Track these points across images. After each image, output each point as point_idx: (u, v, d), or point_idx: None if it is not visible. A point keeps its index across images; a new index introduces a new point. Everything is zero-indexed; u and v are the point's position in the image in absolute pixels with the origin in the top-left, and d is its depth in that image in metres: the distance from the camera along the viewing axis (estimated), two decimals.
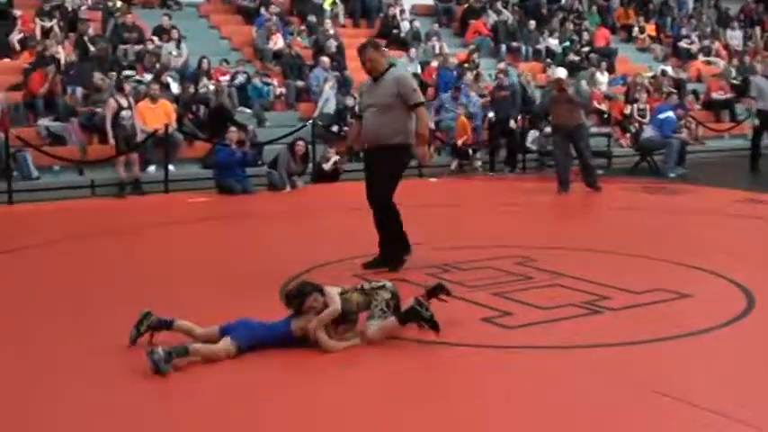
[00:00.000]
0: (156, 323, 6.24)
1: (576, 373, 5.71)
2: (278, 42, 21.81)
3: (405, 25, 24.81)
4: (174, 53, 20.18)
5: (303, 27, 23.49)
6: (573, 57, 25.21)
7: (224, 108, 17.86)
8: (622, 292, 7.75)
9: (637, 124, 21.13)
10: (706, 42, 29.29)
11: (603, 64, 24.82)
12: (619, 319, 7.00)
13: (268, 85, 20.05)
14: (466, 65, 22.28)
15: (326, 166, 17.14)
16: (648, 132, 19.03)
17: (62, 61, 18.14)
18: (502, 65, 21.71)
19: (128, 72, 18.81)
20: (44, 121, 16.56)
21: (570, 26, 27.34)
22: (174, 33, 20.61)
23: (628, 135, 21.61)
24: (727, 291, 7.94)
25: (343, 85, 20.00)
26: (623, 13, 30.14)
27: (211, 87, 18.44)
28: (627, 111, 22.17)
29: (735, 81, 26.08)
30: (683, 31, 29.68)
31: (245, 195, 15.47)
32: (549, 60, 24.52)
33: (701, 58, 28.35)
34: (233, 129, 16.53)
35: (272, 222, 13.21)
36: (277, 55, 21.46)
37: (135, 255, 10.39)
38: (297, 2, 24.68)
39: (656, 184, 16.55)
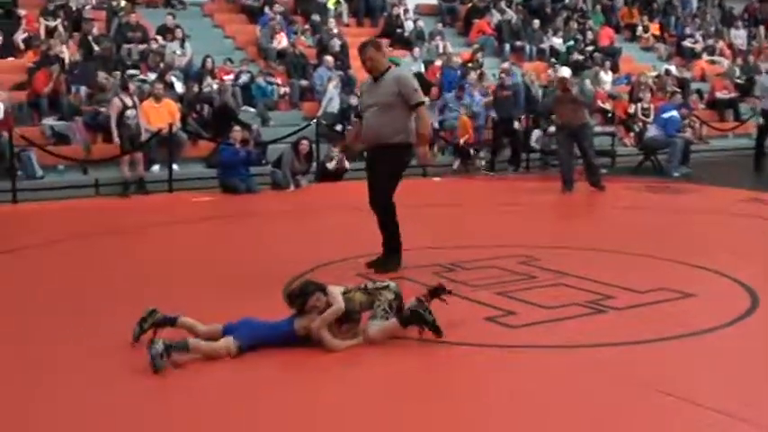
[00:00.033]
0: (160, 320, 6.26)
1: (580, 373, 5.71)
2: (282, 41, 21.82)
3: (408, 24, 24.80)
4: (178, 52, 20.20)
5: (307, 26, 23.51)
6: (577, 56, 25.19)
7: (228, 107, 17.87)
8: (626, 291, 7.75)
9: (641, 123, 21.10)
10: (710, 41, 29.27)
11: (607, 63, 24.80)
12: (623, 319, 6.99)
13: (272, 84, 20.04)
14: (470, 64, 22.28)
15: (330, 165, 17.14)
16: (652, 131, 19.02)
17: (66, 60, 18.17)
18: (506, 64, 21.70)
19: (132, 71, 18.82)
20: (48, 121, 16.58)
21: (574, 25, 27.33)
22: (179, 32, 20.63)
23: (632, 134, 21.59)
24: (731, 290, 7.93)
25: (347, 85, 20.00)
26: (627, 12, 30.13)
27: (215, 87, 18.46)
28: (631, 110, 22.15)
29: (739, 80, 26.06)
30: (687, 31, 29.65)
31: (249, 194, 15.47)
32: (553, 60, 24.51)
33: (705, 57, 28.33)
34: (237, 128, 16.55)
35: (275, 221, 13.21)
36: (281, 54, 21.46)
37: (138, 254, 10.39)
38: (301, 1, 24.71)
39: (660, 184, 16.53)
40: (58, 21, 20.21)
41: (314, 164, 17.06)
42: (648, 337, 6.40)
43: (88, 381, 5.62)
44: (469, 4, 26.89)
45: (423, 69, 22.22)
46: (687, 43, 28.75)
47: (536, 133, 19.89)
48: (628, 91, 23.62)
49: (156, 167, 16.45)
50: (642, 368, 5.78)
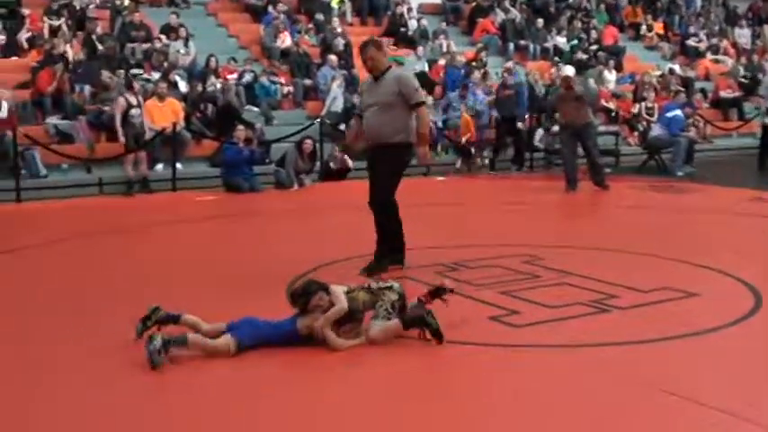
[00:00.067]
0: (163, 317, 6.27)
1: (584, 372, 5.71)
2: (285, 41, 21.83)
3: (412, 23, 24.82)
4: (182, 51, 20.22)
5: (311, 25, 23.52)
6: (581, 55, 25.17)
7: (232, 106, 17.88)
8: (630, 290, 7.74)
9: (645, 123, 21.09)
10: (714, 41, 29.23)
11: (611, 62, 24.82)
12: (626, 318, 6.99)
13: (275, 83, 20.07)
14: (473, 63, 22.26)
15: (334, 165, 17.14)
16: (656, 131, 19.01)
17: (70, 60, 18.17)
18: (510, 63, 21.68)
19: (135, 70, 18.83)
20: (52, 120, 16.60)
21: (578, 24, 27.30)
22: (182, 32, 20.66)
23: (636, 133, 21.58)
24: (734, 289, 7.92)
25: (351, 84, 19.99)
26: (631, 11, 30.09)
27: (219, 86, 18.46)
28: (635, 109, 22.12)
29: (743, 79, 26.03)
30: (691, 30, 29.64)
31: (253, 194, 15.49)
32: (556, 59, 24.49)
33: (709, 56, 28.30)
34: (241, 127, 16.56)
35: (279, 221, 13.21)
36: (285, 53, 21.47)
37: (141, 253, 10.40)
38: (304, 0, 24.70)
39: (664, 183, 16.52)
40: (62, 20, 20.24)
41: (317, 163, 17.06)
42: (652, 337, 6.39)
43: (88, 381, 5.61)
44: (473, 3, 26.90)
45: (426, 68, 22.24)
46: (691, 42, 28.72)
47: (539, 132, 19.87)
48: (632, 90, 23.60)
49: (159, 166, 16.48)
50: (646, 367, 5.77)
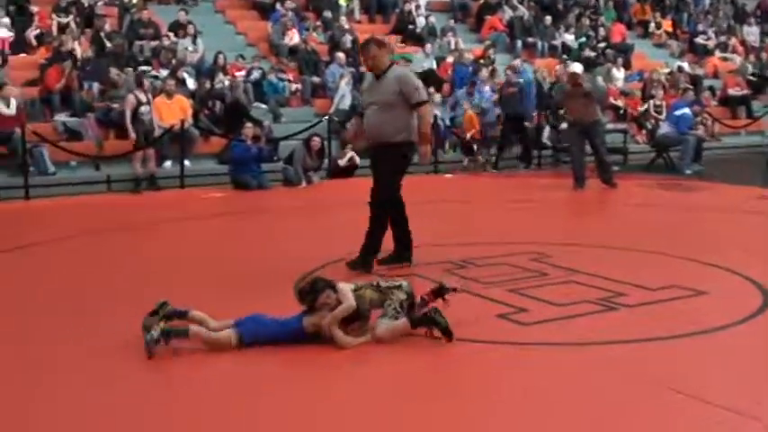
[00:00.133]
0: (170, 313, 6.29)
1: (592, 370, 5.71)
2: (293, 38, 21.85)
3: (420, 21, 24.84)
4: (190, 49, 20.25)
5: (319, 23, 23.54)
6: (589, 52, 25.16)
7: (240, 104, 17.90)
8: (638, 288, 7.74)
9: (653, 120, 21.07)
10: (722, 38, 29.23)
11: (620, 60, 24.77)
12: (634, 316, 6.98)
13: (284, 80, 20.07)
14: (481, 61, 22.24)
15: (342, 162, 17.14)
16: (664, 129, 18.98)
17: (78, 57, 18.21)
18: (517, 61, 21.64)
19: (144, 68, 18.85)
20: (61, 117, 16.63)
21: (586, 22, 27.30)
22: (190, 29, 20.70)
23: (644, 131, 21.56)
24: (742, 288, 7.91)
25: (359, 81, 19.92)
26: (639, 8, 30.07)
27: (227, 83, 18.48)
28: (643, 107, 22.09)
29: (751, 77, 25.99)
30: (700, 27, 29.61)
31: (261, 191, 15.50)
32: (565, 56, 24.46)
33: (718, 54, 28.28)
34: (249, 124, 16.57)
35: (287, 218, 13.23)
36: (293, 50, 21.49)
37: (149, 251, 10.40)
38: None
39: (672, 181, 16.49)
40: (71, 17, 20.28)
41: (325, 160, 17.07)
42: (660, 335, 6.39)
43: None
44: (481, 1, 26.86)
45: (435, 66, 22.24)
46: (700, 40, 28.69)
47: (547, 130, 19.85)
48: (640, 88, 23.57)
49: (167, 164, 16.50)
50: (653, 366, 5.77)
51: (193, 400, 5.29)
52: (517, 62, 21.49)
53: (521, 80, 19.72)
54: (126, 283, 8.37)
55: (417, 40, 23.84)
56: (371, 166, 9.13)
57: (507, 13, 26.35)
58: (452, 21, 25.65)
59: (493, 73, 21.06)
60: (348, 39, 21.79)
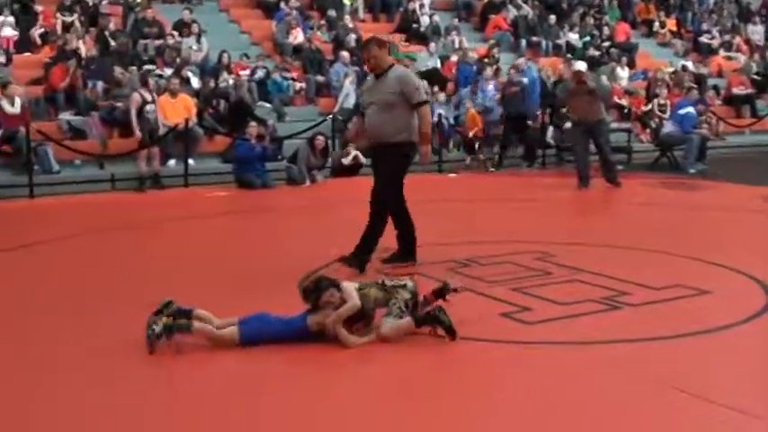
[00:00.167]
0: (175, 311, 6.28)
1: (596, 369, 5.71)
2: (298, 37, 21.86)
3: (424, 20, 24.82)
4: (195, 47, 20.26)
5: (323, 22, 23.55)
6: (593, 51, 25.14)
7: (244, 102, 17.91)
8: (641, 287, 7.73)
9: (657, 120, 21.05)
10: (727, 37, 29.18)
11: (624, 59, 24.74)
12: (638, 315, 6.99)
13: (288, 79, 20.07)
14: (486, 60, 22.23)
15: (346, 161, 17.13)
16: (669, 128, 18.96)
17: (83, 56, 18.23)
18: (521, 60, 21.60)
19: (148, 66, 18.86)
20: (65, 116, 16.65)
21: (590, 21, 27.30)
22: (195, 28, 20.70)
23: (648, 130, 21.54)
24: (746, 287, 7.90)
25: (363, 80, 19.92)
26: (644, 7, 30.03)
27: (231, 82, 18.49)
28: (647, 106, 22.08)
29: (756, 76, 25.95)
30: (704, 26, 29.57)
31: (265, 190, 15.50)
32: (569, 55, 24.42)
33: (722, 53, 28.24)
34: (253, 123, 16.56)
35: (291, 217, 13.23)
36: (297, 49, 21.50)
37: (153, 249, 10.41)
38: None
39: (676, 180, 16.48)
40: (75, 16, 20.33)
41: (329, 159, 17.06)
42: (663, 334, 6.39)
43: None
44: (486, 0, 26.84)
45: (439, 64, 22.23)
46: (704, 39, 28.66)
47: (551, 129, 19.82)
48: (644, 87, 23.55)
49: (171, 162, 16.50)
50: (657, 365, 5.78)
51: (195, 399, 5.29)
52: (521, 61, 21.45)
53: (523, 79, 19.69)
54: (129, 282, 8.37)
55: (421, 38, 23.83)
56: (372, 166, 9.14)
57: (511, 12, 26.33)
58: (456, 20, 25.64)
59: (497, 72, 21.03)
60: (352, 38, 21.78)
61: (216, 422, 4.94)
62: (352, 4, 24.85)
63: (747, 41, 29.37)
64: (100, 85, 17.52)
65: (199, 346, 6.12)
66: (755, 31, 30.35)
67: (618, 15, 28.88)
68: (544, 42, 25.54)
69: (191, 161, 16.37)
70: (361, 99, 9.93)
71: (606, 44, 26.09)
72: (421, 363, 5.91)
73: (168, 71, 18.63)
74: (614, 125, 19.92)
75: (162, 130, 16.09)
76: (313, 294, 6.24)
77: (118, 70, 17.33)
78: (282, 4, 23.00)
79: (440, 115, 18.79)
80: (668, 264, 8.91)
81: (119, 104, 16.65)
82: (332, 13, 23.69)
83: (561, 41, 25.80)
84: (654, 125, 21.04)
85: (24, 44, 19.68)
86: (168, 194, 15.26)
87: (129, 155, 15.85)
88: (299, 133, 17.49)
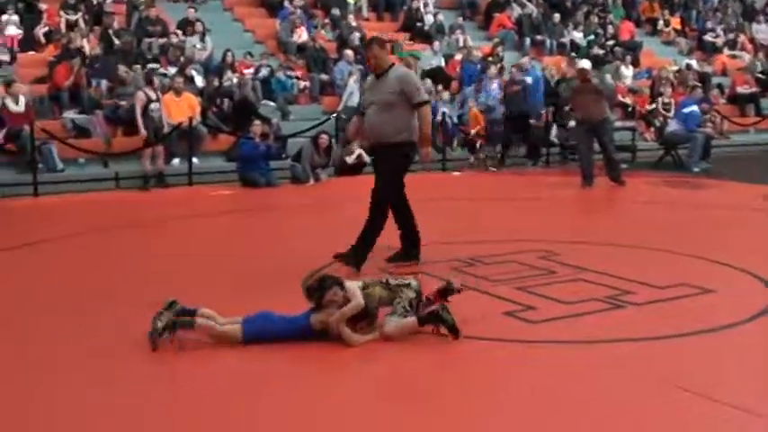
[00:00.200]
0: (180, 310, 6.28)
1: (599, 368, 5.71)
2: (302, 35, 21.85)
3: (428, 18, 24.81)
4: (199, 46, 20.26)
5: (327, 20, 23.54)
6: (597, 50, 25.12)
7: (248, 101, 17.90)
8: (646, 286, 7.74)
9: (661, 118, 21.03)
10: (731, 36, 29.12)
11: (628, 57, 24.71)
12: (642, 314, 6.99)
13: (292, 78, 20.06)
14: (490, 58, 22.20)
15: (350, 159, 17.12)
16: (673, 126, 18.95)
17: (87, 54, 18.24)
18: (525, 59, 21.59)
19: (152, 65, 18.86)
20: (69, 114, 16.67)
21: (595, 19, 27.28)
22: (199, 26, 20.70)
23: (652, 129, 21.51)
24: (750, 286, 7.91)
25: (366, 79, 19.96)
26: (648, 6, 29.99)
27: (235, 80, 18.47)
28: (651, 105, 22.05)
29: (760, 75, 25.92)
30: (709, 25, 29.52)
31: (269, 188, 15.49)
32: (573, 54, 24.40)
33: (727, 51, 28.20)
34: (257, 122, 16.55)
35: (295, 215, 13.24)
36: (301, 48, 21.49)
37: (157, 248, 10.42)
38: None
39: (681, 179, 16.47)
40: (79, 14, 20.34)
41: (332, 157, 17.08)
42: (667, 333, 6.39)
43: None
44: None
45: (443, 63, 22.22)
46: (708, 37, 28.61)
47: (555, 127, 19.81)
48: (648, 85, 23.52)
49: (176, 161, 16.51)
50: (661, 364, 5.78)
51: (197, 398, 5.30)
52: (525, 60, 21.43)
53: (527, 78, 19.65)
54: (133, 281, 8.38)
55: (425, 37, 23.83)
56: (373, 165, 9.14)
57: (516, 11, 26.32)
58: (461, 18, 25.65)
59: (501, 70, 21.00)
60: (356, 36, 21.77)
61: (218, 421, 4.94)
62: (356, 3, 24.84)
63: (752, 40, 29.32)
64: (104, 83, 17.52)
65: (201, 343, 6.13)
66: (760, 30, 30.30)
67: (622, 14, 28.85)
68: (548, 41, 25.52)
69: (195, 160, 16.37)
70: (362, 98, 9.92)
71: (610, 43, 26.07)
72: (424, 362, 5.91)
73: (172, 70, 18.63)
74: (618, 124, 19.94)
75: (166, 129, 16.09)
76: (316, 293, 6.25)
77: (122, 69, 17.34)
78: (286, 3, 22.98)
79: (444, 114, 18.80)
80: (672, 263, 8.91)
81: (123, 103, 16.66)
82: (336, 11, 23.68)
83: (565, 40, 25.78)
84: (658, 124, 21.01)
85: (29, 43, 19.69)
86: (172, 193, 15.26)
87: (134, 153, 15.86)
88: (302, 132, 17.49)
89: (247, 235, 11.37)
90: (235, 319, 6.25)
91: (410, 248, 8.94)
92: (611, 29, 26.98)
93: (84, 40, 18.75)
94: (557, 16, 26.46)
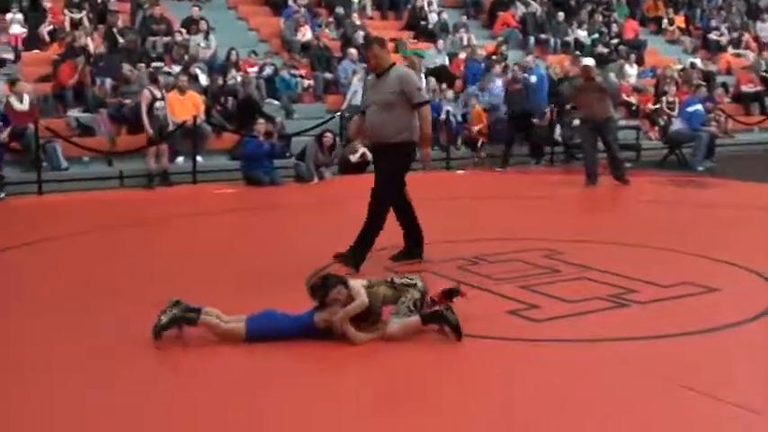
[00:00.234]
0: (184, 308, 6.28)
1: (603, 367, 5.71)
2: (306, 34, 21.86)
3: (432, 17, 24.81)
4: (203, 45, 20.26)
5: (331, 19, 23.53)
6: (602, 49, 25.10)
7: (252, 100, 17.90)
8: (649, 285, 7.73)
9: (665, 117, 21.02)
10: (736, 34, 29.09)
11: (632, 56, 24.71)
12: (646, 313, 6.99)
13: (296, 76, 20.07)
14: (494, 57, 22.21)
15: (354, 158, 17.12)
16: (677, 125, 18.94)
17: (91, 53, 18.24)
18: (529, 58, 21.60)
19: (156, 64, 18.87)
20: (73, 113, 16.67)
21: (599, 18, 27.26)
22: (203, 25, 20.69)
23: (656, 128, 21.50)
24: (755, 285, 7.91)
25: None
26: (652, 4, 29.95)
27: (239, 79, 18.48)
28: (655, 104, 22.03)
29: (765, 74, 25.87)
30: (713, 23, 29.49)
31: (273, 187, 15.50)
32: (577, 52, 24.38)
33: (731, 50, 28.17)
34: (261, 120, 16.56)
35: (299, 214, 13.25)
36: (305, 47, 21.50)
37: (161, 246, 10.43)
38: None
39: (685, 178, 16.46)
40: (83, 13, 20.35)
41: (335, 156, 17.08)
42: (671, 332, 6.39)
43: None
44: None
45: (447, 62, 22.22)
46: (713, 36, 28.59)
47: (558, 126, 19.79)
48: (653, 84, 23.51)
49: (180, 159, 16.51)
50: (665, 363, 5.78)
51: (200, 395, 5.30)
52: (529, 59, 21.45)
53: (531, 77, 19.63)
54: (137, 279, 8.39)
55: (429, 36, 23.82)
56: (374, 164, 9.14)
57: (520, 10, 26.29)
58: (465, 17, 25.61)
59: (505, 69, 20.99)
60: (360, 35, 21.73)
61: (220, 419, 4.94)
62: (360, 2, 24.83)
63: (756, 39, 29.30)
64: (108, 82, 17.53)
65: (205, 340, 6.14)
66: (764, 29, 30.25)
67: (626, 12, 28.83)
68: (552, 40, 25.51)
69: (199, 158, 16.37)
70: (363, 97, 9.91)
71: (615, 41, 26.06)
72: (428, 360, 5.91)
73: (176, 68, 18.63)
74: (623, 122, 19.93)
75: (171, 128, 16.10)
76: (320, 291, 6.25)
77: (126, 67, 17.37)
78: (290, 2, 23.01)
79: (448, 112, 18.80)
80: (676, 261, 8.91)
81: (127, 101, 16.68)
82: (340, 10, 23.67)
83: (570, 39, 25.77)
84: (662, 123, 21.00)
85: (33, 41, 19.71)
86: (176, 191, 15.27)
87: (138, 152, 15.87)
88: (306, 130, 17.50)
89: (251, 233, 11.38)
90: (239, 317, 6.25)
91: (413, 247, 8.95)
92: (615, 27, 26.96)
93: (89, 39, 18.75)
94: (561, 15, 26.46)
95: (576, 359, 5.89)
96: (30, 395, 5.34)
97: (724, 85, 24.65)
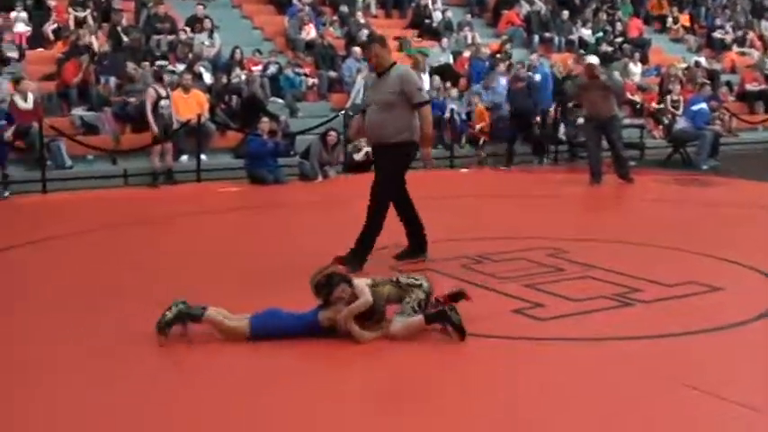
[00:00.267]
0: (189, 307, 6.29)
1: (608, 366, 5.71)
2: (310, 32, 21.85)
3: (437, 15, 24.79)
4: (207, 43, 20.25)
5: (335, 17, 23.51)
6: (606, 47, 25.07)
7: (256, 98, 17.90)
8: (654, 284, 7.73)
9: (670, 116, 20.99)
10: (740, 33, 29.05)
11: (637, 55, 24.65)
12: (650, 312, 6.99)
13: (300, 75, 20.05)
14: (498, 55, 22.19)
15: (358, 157, 17.12)
16: (681, 124, 18.91)
17: (95, 51, 18.25)
18: (534, 57, 21.58)
19: (160, 62, 18.87)
20: (78, 111, 16.68)
21: (603, 16, 27.24)
22: (207, 23, 20.67)
23: (661, 127, 21.46)
24: (759, 284, 7.92)
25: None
26: (657, 3, 29.90)
27: (244, 77, 18.48)
28: (660, 103, 22.01)
29: None
30: (718, 22, 29.46)
31: (277, 185, 15.51)
32: (582, 51, 24.36)
33: (736, 48, 28.11)
34: (265, 119, 16.56)
35: (303, 212, 13.25)
36: (309, 45, 21.49)
37: (166, 245, 10.45)
38: None
39: (689, 176, 16.45)
40: (88, 11, 20.34)
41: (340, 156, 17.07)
42: (675, 331, 6.39)
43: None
44: None
45: (451, 60, 22.20)
46: (717, 35, 28.55)
47: (562, 125, 19.77)
48: (657, 83, 23.48)
49: (184, 158, 16.51)
50: (669, 362, 5.78)
51: (204, 393, 5.31)
52: (534, 57, 21.43)
53: (535, 76, 19.61)
54: (142, 278, 8.39)
55: (434, 34, 23.79)
56: (374, 163, 9.14)
57: (524, 8, 26.26)
58: (469, 15, 25.59)
59: (509, 68, 20.98)
60: (364, 33, 21.66)
61: (223, 417, 4.95)
62: (364, 0, 24.82)
63: (761, 37, 29.24)
64: (112, 80, 17.52)
65: (209, 338, 6.15)
66: None
67: (631, 11, 28.78)
68: (557, 38, 25.46)
69: (203, 157, 16.37)
70: (364, 97, 9.90)
71: (619, 40, 26.02)
72: (432, 359, 5.91)
73: (180, 67, 18.62)
74: (627, 121, 19.89)
75: (175, 126, 16.10)
76: (324, 290, 6.25)
77: (130, 66, 17.36)
78: (295, 0, 22.97)
79: (452, 111, 18.80)
80: (680, 260, 8.91)
81: (131, 100, 16.67)
82: (344, 8, 23.66)
83: (574, 37, 25.74)
84: (666, 121, 20.94)
85: (37, 40, 19.70)
86: (181, 190, 15.28)
87: (142, 150, 15.86)
88: (311, 129, 17.49)
89: (255, 232, 11.38)
90: (243, 315, 6.26)
91: (417, 246, 8.94)
92: (619, 26, 26.94)
93: (93, 38, 18.75)
94: (565, 13, 26.41)
95: (581, 358, 5.89)
96: (34, 394, 5.34)
97: (728, 83, 24.60)
